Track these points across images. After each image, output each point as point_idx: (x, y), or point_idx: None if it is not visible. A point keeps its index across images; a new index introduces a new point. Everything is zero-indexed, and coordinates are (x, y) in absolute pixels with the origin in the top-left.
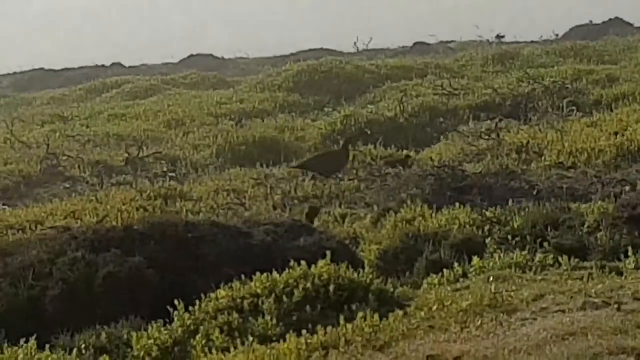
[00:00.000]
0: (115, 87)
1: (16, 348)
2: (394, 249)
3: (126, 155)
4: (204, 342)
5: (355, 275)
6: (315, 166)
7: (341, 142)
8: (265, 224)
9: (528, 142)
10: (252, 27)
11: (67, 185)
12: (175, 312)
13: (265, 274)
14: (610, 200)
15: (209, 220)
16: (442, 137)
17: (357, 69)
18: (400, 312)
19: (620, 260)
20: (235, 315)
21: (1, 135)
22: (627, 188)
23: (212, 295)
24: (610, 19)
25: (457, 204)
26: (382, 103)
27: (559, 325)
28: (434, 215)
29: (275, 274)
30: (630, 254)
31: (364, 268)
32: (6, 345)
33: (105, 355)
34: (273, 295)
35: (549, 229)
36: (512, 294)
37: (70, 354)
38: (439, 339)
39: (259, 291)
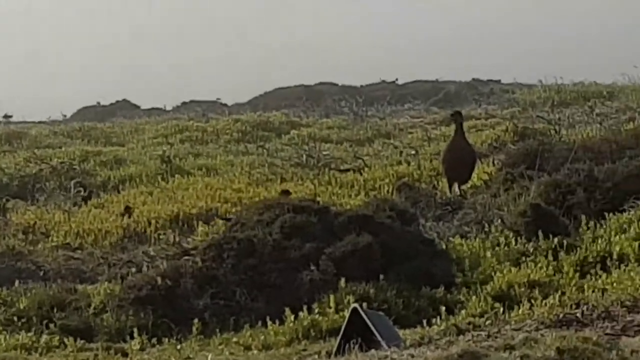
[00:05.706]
0: None
1: None
2: None
3: None
4: None
5: None
6: None
7: None
8: None
9: (35, 223)
10: None
11: None
12: None
13: None
14: (116, 281)
15: None
16: None
17: None
18: None
19: (125, 341)
20: None
21: None
22: (133, 269)
23: None
24: (118, 101)
25: None
26: None
27: None
28: None
29: None
30: (135, 334)
31: None
32: None
33: None
34: None
35: (56, 310)
36: None
37: None
38: None
39: None
